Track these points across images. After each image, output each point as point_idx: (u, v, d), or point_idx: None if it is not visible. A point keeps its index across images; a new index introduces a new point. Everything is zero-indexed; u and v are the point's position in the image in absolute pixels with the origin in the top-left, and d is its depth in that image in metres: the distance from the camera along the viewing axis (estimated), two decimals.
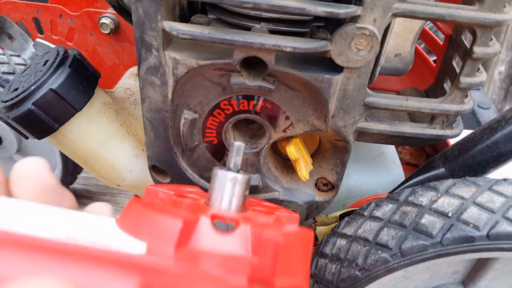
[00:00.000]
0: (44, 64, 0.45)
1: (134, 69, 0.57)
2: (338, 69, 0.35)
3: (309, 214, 0.48)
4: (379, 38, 0.32)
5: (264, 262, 0.20)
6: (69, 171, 0.92)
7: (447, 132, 0.40)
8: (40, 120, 0.43)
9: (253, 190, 0.44)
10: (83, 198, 1.09)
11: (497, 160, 0.45)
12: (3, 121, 0.45)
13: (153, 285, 0.17)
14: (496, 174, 0.46)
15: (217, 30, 0.33)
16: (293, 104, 0.38)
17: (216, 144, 0.42)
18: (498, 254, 0.39)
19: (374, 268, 0.41)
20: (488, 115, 1.06)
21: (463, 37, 0.40)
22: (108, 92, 0.53)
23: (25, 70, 0.48)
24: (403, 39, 0.44)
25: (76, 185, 1.05)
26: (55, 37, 0.71)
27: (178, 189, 0.27)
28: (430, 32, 0.56)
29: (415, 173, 0.49)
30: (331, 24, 0.40)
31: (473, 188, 0.40)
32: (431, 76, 0.58)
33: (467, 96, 0.39)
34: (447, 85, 0.43)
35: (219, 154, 0.43)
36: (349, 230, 0.44)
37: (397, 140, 0.42)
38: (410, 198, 0.42)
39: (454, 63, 0.41)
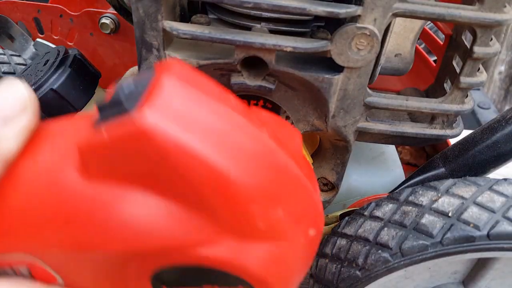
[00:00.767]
0: (45, 64, 0.45)
1: (134, 69, 0.57)
2: (338, 69, 0.35)
3: None
4: (380, 38, 0.32)
5: None
6: None
7: (447, 132, 0.40)
8: (40, 119, 0.43)
9: None
10: None
11: (497, 160, 0.45)
12: None
13: None
14: (496, 174, 0.46)
15: (218, 30, 0.33)
16: (293, 104, 0.38)
17: None
18: (498, 254, 0.39)
19: (374, 267, 0.41)
20: (488, 115, 1.07)
21: (463, 37, 0.40)
22: None
23: (25, 70, 0.48)
24: (403, 39, 0.44)
25: None
26: (55, 37, 0.71)
27: None
28: (430, 32, 0.56)
29: (415, 173, 0.49)
30: (331, 24, 0.40)
31: (473, 188, 0.40)
32: (431, 76, 0.58)
33: (467, 96, 0.39)
34: (447, 85, 0.43)
35: None
36: (349, 230, 0.44)
37: (397, 140, 0.42)
38: (410, 198, 0.42)
39: (454, 63, 0.41)
